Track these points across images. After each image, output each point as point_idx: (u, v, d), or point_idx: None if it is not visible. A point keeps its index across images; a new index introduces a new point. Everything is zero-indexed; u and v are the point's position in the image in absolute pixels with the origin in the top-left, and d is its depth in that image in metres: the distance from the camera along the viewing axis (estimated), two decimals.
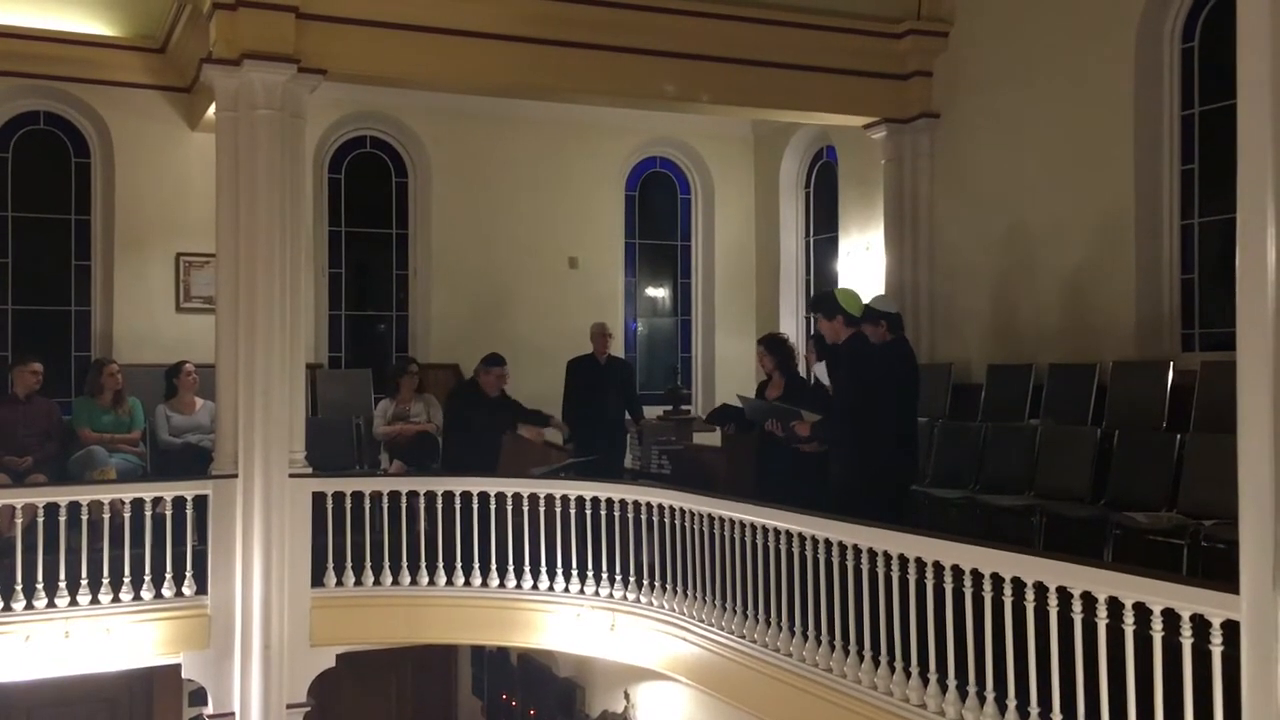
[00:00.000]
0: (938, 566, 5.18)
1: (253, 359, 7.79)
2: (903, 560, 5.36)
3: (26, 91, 10.03)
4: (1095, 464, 7.24)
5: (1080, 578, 4.54)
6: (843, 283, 10.53)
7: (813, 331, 8.29)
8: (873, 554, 5.53)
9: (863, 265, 10.56)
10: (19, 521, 7.15)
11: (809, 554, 5.97)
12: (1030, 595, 4.72)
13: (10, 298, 10.16)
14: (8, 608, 7.09)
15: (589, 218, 12.05)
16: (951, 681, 5.11)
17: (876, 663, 5.52)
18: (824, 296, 6.84)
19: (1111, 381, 7.82)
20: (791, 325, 11.98)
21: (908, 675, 5.33)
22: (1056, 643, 4.62)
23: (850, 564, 5.67)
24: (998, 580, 4.88)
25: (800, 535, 6.03)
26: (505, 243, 11.56)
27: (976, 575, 4.99)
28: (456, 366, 10.86)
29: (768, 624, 6.29)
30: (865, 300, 6.86)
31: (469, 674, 10.70)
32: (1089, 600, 4.49)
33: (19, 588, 7.11)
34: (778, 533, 6.20)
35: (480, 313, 11.21)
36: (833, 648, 5.81)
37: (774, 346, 7.80)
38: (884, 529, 5.53)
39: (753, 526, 6.40)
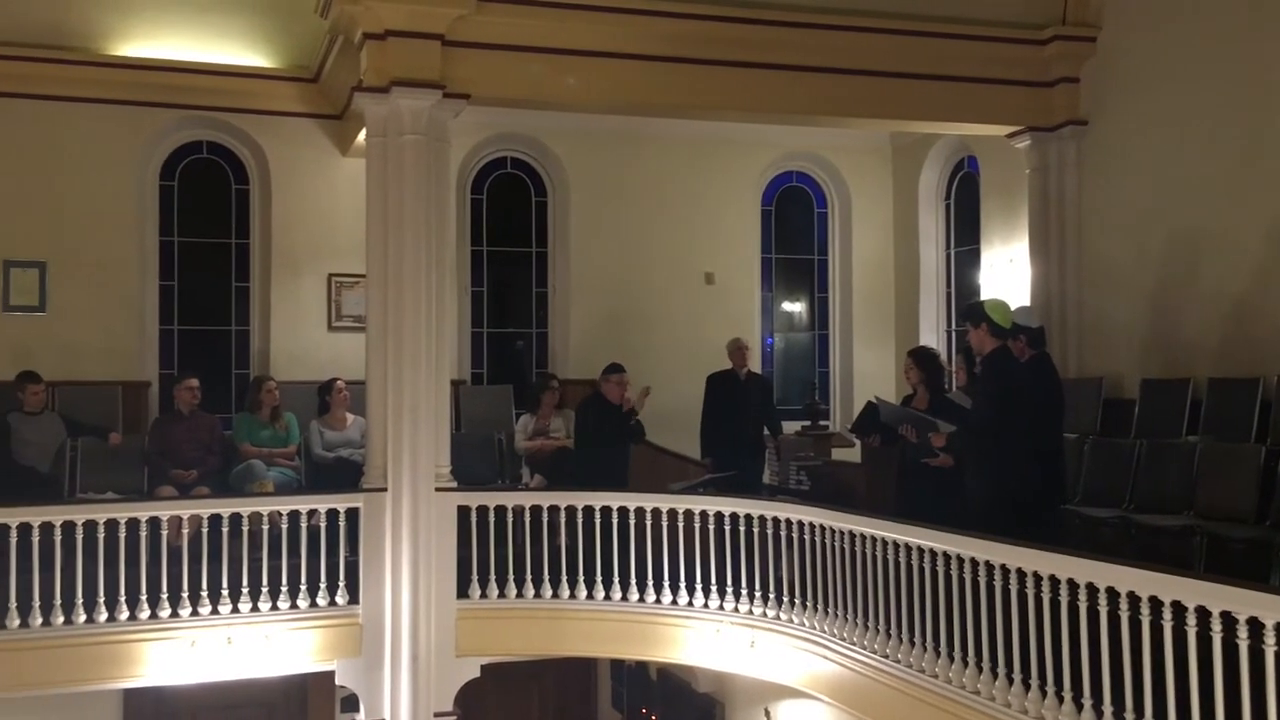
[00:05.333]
0: (1091, 588, 5.02)
1: (400, 376, 8.03)
2: (1054, 581, 5.21)
3: (191, 123, 10.59)
4: (1260, 483, 6.89)
5: (1246, 602, 4.33)
6: (985, 295, 10.29)
7: (960, 345, 8.13)
8: (1021, 574, 5.39)
9: (1007, 278, 10.31)
10: (185, 532, 7.52)
11: (954, 573, 5.85)
12: (1191, 620, 4.53)
13: (176, 318, 10.71)
14: (175, 614, 7.45)
15: (725, 233, 12.07)
16: (1107, 708, 4.95)
17: (1027, 686, 5.37)
18: (973, 305, 6.74)
19: (1277, 397, 7.45)
20: (932, 339, 11.77)
21: (1060, 700, 5.17)
22: (1221, 670, 4.42)
23: (998, 584, 5.54)
24: (1156, 604, 4.70)
25: (945, 554, 5.92)
26: (642, 259, 11.66)
27: (1133, 598, 4.82)
28: (595, 382, 10.99)
29: (911, 643, 6.19)
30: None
31: (609, 687, 10.78)
32: (1255, 626, 4.29)
33: (185, 595, 7.46)
34: (921, 551, 6.09)
35: (618, 329, 11.33)
36: (980, 669, 5.68)
37: (922, 360, 7.65)
38: (1033, 549, 5.39)
39: (895, 544, 6.31)
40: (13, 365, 9.04)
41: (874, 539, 6.48)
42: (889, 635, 6.37)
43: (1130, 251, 9.00)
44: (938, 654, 5.98)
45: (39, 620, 7.14)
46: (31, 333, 9.84)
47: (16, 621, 7.09)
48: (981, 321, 6.42)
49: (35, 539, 7.11)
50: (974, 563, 5.71)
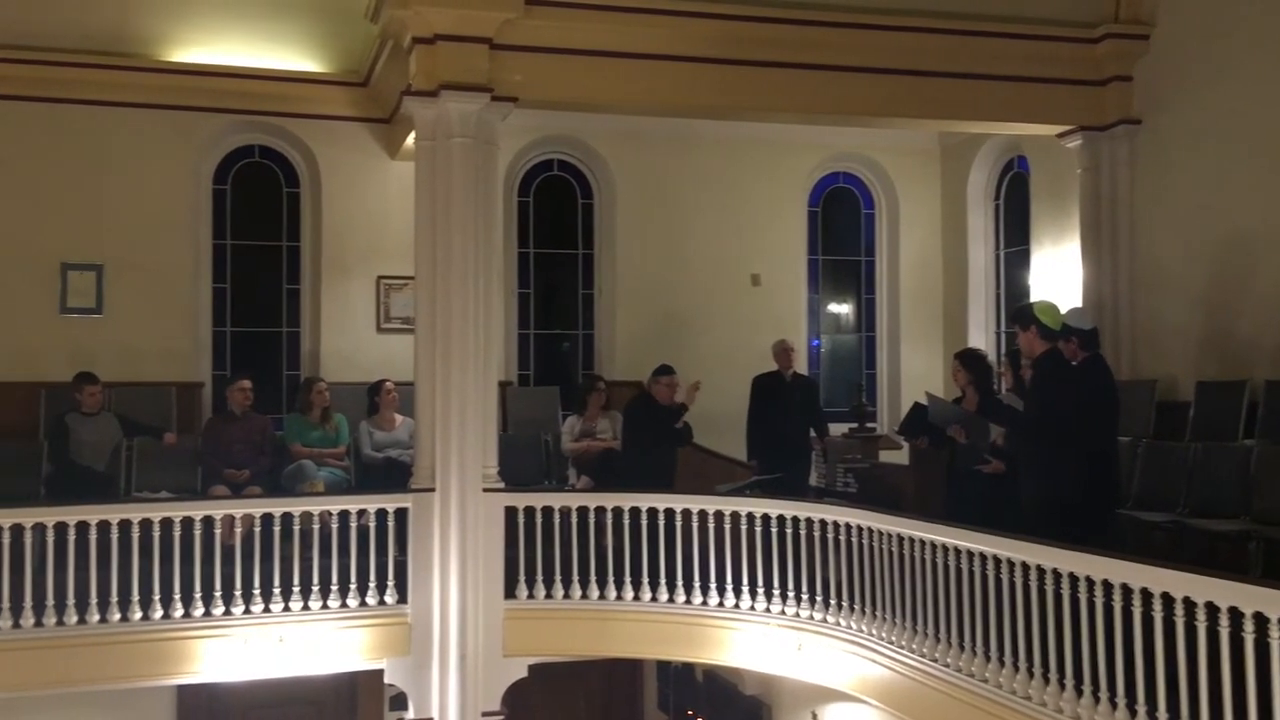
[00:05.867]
0: (1145, 593, 4.95)
1: (449, 377, 8.08)
2: (1106, 586, 5.15)
3: (244, 127, 10.74)
4: None
5: None
6: (1036, 297, 10.18)
7: (1008, 348, 8.05)
8: (1073, 579, 5.33)
9: (1057, 279, 10.20)
10: (238, 531, 7.63)
11: (1004, 577, 5.80)
12: (1249, 626, 4.46)
13: (229, 320, 10.86)
14: (228, 612, 7.56)
15: (771, 234, 12.05)
16: (1163, 715, 4.88)
17: (1079, 691, 5.31)
18: (1022, 308, 6.67)
19: None
20: (981, 340, 11.66)
21: (1113, 706, 5.11)
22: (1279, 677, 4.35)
23: (1049, 588, 5.48)
24: (1212, 609, 4.63)
25: (995, 557, 5.86)
26: (688, 261, 11.67)
27: (1188, 603, 4.74)
28: (641, 384, 11.00)
29: (960, 648, 6.14)
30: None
31: (655, 688, 10.79)
32: None
33: (238, 594, 7.57)
34: (970, 554, 6.04)
35: (664, 330, 11.33)
36: (1030, 674, 5.63)
37: (969, 361, 7.60)
38: (1084, 553, 5.33)
39: (944, 547, 6.26)
40: (70, 366, 9.20)
41: (922, 542, 6.44)
42: (938, 639, 6.32)
43: (1184, 252, 8.87)
44: (987, 658, 5.93)
45: (96, 617, 7.27)
46: (88, 334, 10.01)
47: (74, 618, 7.22)
48: (1030, 324, 6.35)
49: (92, 537, 7.24)
50: (1024, 566, 5.65)
